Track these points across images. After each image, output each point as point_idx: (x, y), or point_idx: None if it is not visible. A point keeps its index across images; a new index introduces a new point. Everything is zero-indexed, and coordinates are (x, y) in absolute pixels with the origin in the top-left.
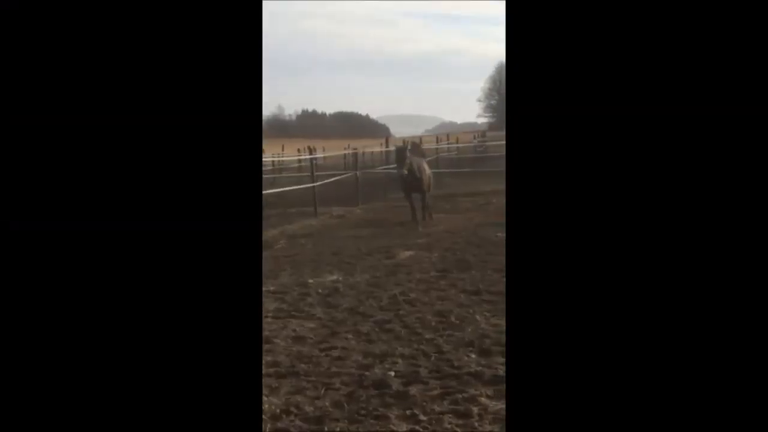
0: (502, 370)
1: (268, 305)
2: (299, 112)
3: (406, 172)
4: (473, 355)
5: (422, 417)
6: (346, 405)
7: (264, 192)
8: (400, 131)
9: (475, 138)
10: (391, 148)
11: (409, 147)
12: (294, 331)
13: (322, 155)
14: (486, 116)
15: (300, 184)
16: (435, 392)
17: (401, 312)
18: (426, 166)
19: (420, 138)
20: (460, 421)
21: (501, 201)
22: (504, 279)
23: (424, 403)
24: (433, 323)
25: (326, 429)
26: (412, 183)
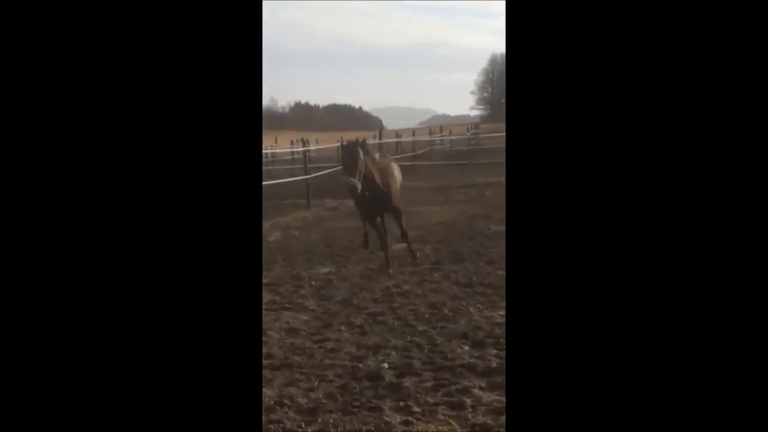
0: (495, 362)
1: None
2: (292, 104)
3: (358, 185)
4: (466, 347)
5: (416, 408)
6: (339, 397)
7: None
8: (393, 124)
9: (468, 130)
10: (386, 140)
11: (361, 143)
12: (287, 323)
13: (315, 147)
14: (479, 109)
15: (293, 177)
16: (428, 384)
17: (394, 304)
18: (396, 171)
19: (396, 132)
20: (454, 413)
21: (494, 193)
22: (497, 271)
23: (418, 395)
24: (427, 315)
25: (320, 420)
26: (373, 200)
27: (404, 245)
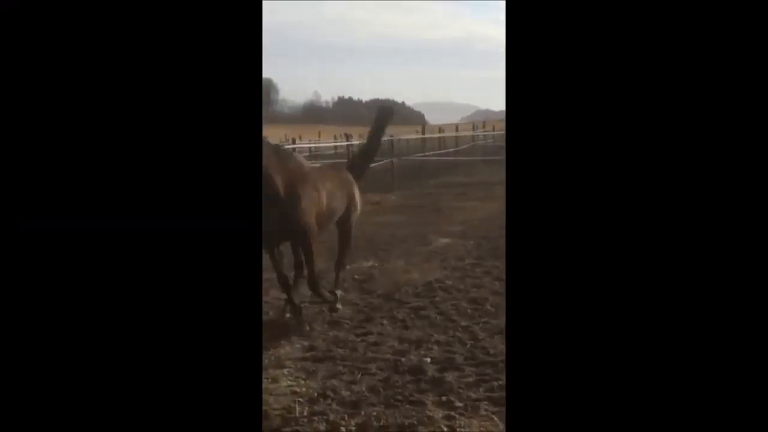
0: None
1: (305, 290)
2: (335, 99)
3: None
4: None
5: (458, 403)
6: (382, 390)
7: None
8: (434, 119)
9: None
10: (429, 135)
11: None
12: (331, 315)
13: (357, 142)
14: None
15: None
16: (470, 379)
17: (436, 299)
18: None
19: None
20: (496, 409)
21: None
22: None
23: (460, 390)
24: (469, 310)
25: (363, 413)
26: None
27: (447, 240)
